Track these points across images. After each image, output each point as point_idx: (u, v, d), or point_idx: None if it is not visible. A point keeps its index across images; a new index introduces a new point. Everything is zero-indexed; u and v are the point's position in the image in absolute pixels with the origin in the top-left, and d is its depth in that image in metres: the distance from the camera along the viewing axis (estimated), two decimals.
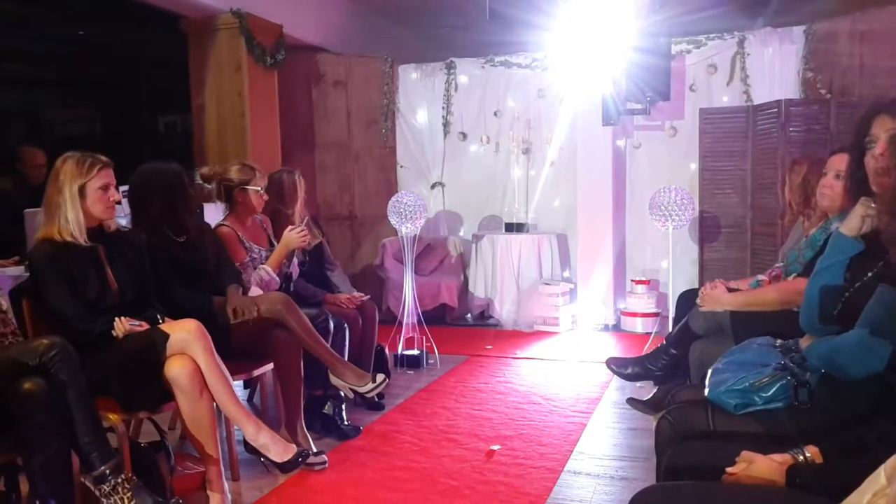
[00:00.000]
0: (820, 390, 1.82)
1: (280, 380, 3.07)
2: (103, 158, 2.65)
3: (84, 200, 2.58)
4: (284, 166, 4.31)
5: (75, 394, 2.22)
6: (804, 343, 1.97)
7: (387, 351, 4.22)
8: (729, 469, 1.58)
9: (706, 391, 1.96)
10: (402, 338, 4.70)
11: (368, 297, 3.94)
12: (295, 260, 3.62)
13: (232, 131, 5.43)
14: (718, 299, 2.87)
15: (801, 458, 1.56)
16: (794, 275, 2.85)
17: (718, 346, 2.62)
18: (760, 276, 3.11)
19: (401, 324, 4.75)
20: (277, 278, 3.40)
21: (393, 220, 4.78)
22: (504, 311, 5.83)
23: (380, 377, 3.06)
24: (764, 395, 1.85)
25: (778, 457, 1.56)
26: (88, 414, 2.25)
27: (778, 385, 1.85)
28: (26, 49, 7.38)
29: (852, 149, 2.00)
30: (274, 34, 5.62)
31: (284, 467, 2.71)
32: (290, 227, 3.43)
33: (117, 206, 2.73)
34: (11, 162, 4.90)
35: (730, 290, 2.99)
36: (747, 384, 1.87)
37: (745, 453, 1.59)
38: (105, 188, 2.61)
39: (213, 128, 5.47)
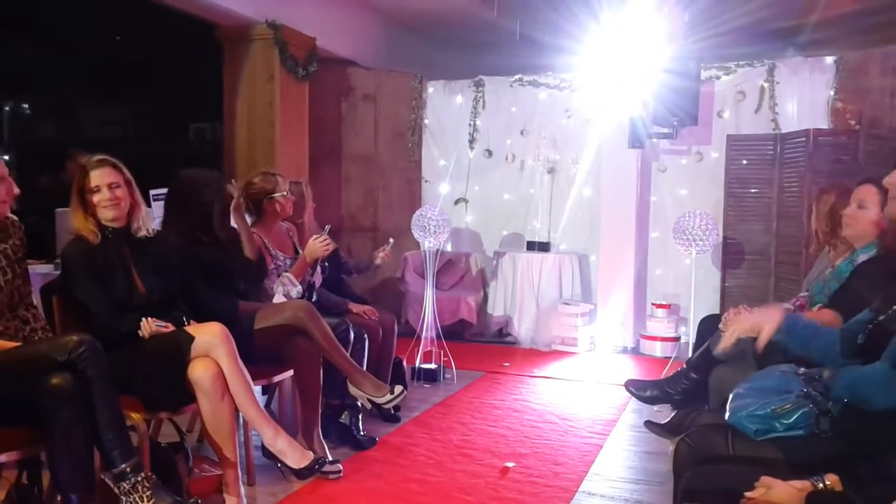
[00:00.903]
0: (842, 420, 1.81)
1: (299, 387, 3.09)
2: (96, 159, 2.66)
3: (92, 199, 2.62)
4: (304, 177, 4.40)
5: (101, 391, 2.26)
6: (827, 373, 1.96)
7: (404, 364, 4.23)
8: (748, 494, 1.57)
9: (727, 415, 1.96)
10: (420, 351, 4.72)
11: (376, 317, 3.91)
12: (318, 269, 3.66)
13: (261, 140, 5.51)
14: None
15: (822, 485, 1.55)
16: (819, 305, 2.83)
17: (739, 371, 2.61)
18: (785, 305, 3.09)
19: (419, 337, 4.76)
20: (300, 286, 3.44)
21: (416, 234, 4.81)
22: (522, 330, 5.82)
23: (398, 389, 3.08)
24: (785, 421, 1.84)
25: (798, 483, 1.56)
26: (113, 412, 2.28)
27: (800, 413, 1.84)
28: (63, 52, 7.55)
29: None
30: (307, 46, 5.71)
31: (300, 474, 2.72)
32: (314, 237, 3.47)
33: (148, 209, 2.78)
34: (49, 162, 5.02)
35: None
36: (769, 410, 1.86)
37: (765, 478, 1.59)
38: (105, 188, 2.62)
39: (243, 136, 5.55)
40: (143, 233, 2.76)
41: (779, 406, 1.86)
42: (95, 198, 2.63)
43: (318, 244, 3.43)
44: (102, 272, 2.62)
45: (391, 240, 3.97)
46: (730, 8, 5.46)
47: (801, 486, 1.56)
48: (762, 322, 1.90)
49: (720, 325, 3.00)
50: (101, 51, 7.67)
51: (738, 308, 3.05)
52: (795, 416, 1.84)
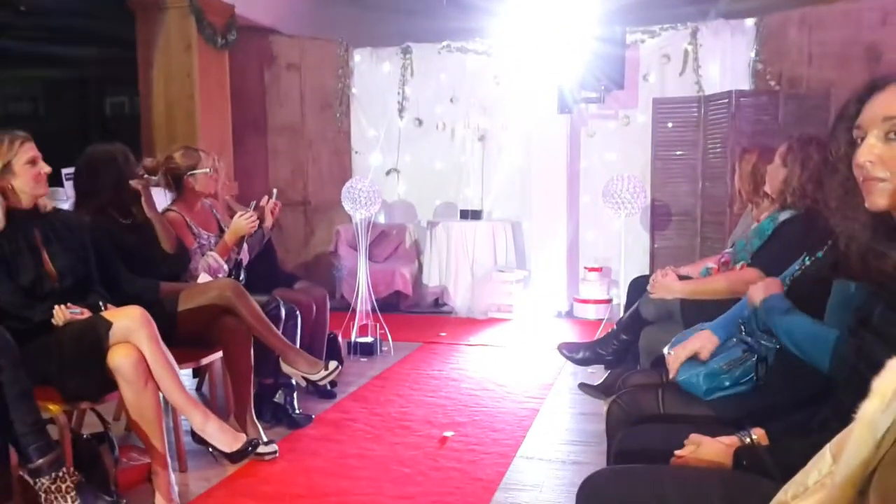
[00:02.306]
0: (775, 369, 1.86)
1: (229, 368, 3.01)
2: (21, 133, 2.53)
3: (11, 180, 2.47)
4: (228, 151, 4.20)
5: (13, 384, 2.14)
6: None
7: (340, 338, 4.18)
8: (678, 452, 1.59)
9: (677, 376, 1.98)
10: (355, 325, 4.66)
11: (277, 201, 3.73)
12: (245, 246, 3.55)
13: (181, 113, 5.29)
14: (669, 287, 2.91)
15: (748, 440, 1.58)
16: (742, 263, 2.90)
17: (668, 332, 2.65)
18: (710, 264, 3.16)
19: (354, 311, 4.71)
20: (225, 265, 3.33)
21: (347, 207, 4.72)
22: (458, 299, 5.83)
23: (332, 364, 3.02)
24: (734, 376, 1.88)
25: (726, 439, 1.58)
26: (26, 405, 2.17)
27: (747, 365, 1.89)
28: None
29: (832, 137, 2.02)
30: (225, 14, 5.48)
31: (233, 457, 2.64)
32: (238, 213, 3.36)
33: (60, 189, 2.64)
34: None
35: (680, 277, 3.03)
36: (720, 366, 1.90)
37: (694, 436, 1.61)
38: (32, 162, 2.50)
39: (161, 110, 5.32)
40: (48, 209, 2.62)
41: (725, 362, 1.90)
42: (29, 171, 2.48)
43: (244, 220, 3.32)
44: (8, 259, 2.46)
45: (274, 190, 3.79)
46: None
47: (730, 441, 1.59)
48: (700, 348, 1.98)
49: (648, 287, 3.06)
50: (4, 21, 7.20)
51: (664, 270, 3.12)
52: (741, 370, 1.88)
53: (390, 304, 5.72)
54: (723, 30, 5.67)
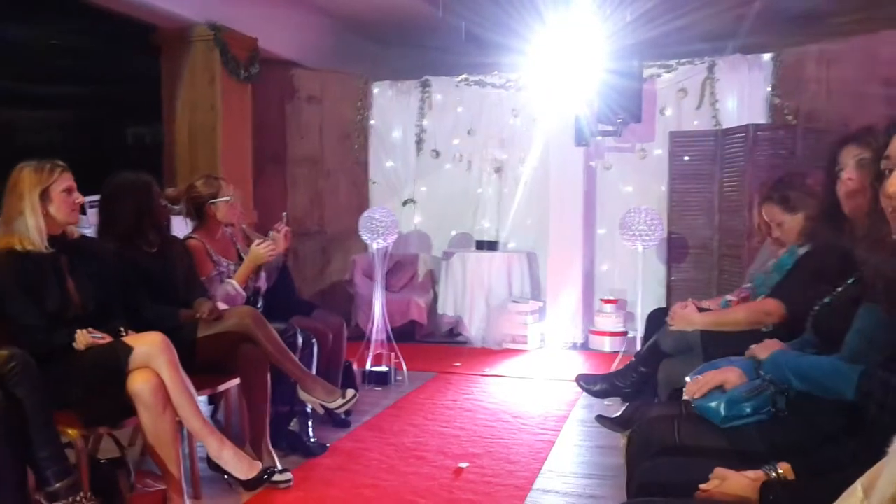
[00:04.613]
0: (794, 402, 1.85)
1: (246, 395, 3.01)
2: (61, 163, 2.62)
3: (47, 206, 2.53)
4: (248, 182, 4.27)
5: (33, 407, 2.16)
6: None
7: (354, 367, 4.17)
8: (702, 486, 1.57)
9: (693, 401, 1.97)
10: (370, 354, 4.66)
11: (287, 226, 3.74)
12: (263, 274, 3.58)
13: (203, 144, 5.37)
14: (689, 318, 2.89)
15: (774, 474, 1.56)
16: (763, 297, 2.89)
17: (687, 364, 2.63)
18: (729, 297, 3.14)
19: (369, 340, 4.71)
20: (244, 293, 3.35)
21: (364, 236, 4.75)
22: (473, 329, 5.81)
23: (350, 393, 3.02)
24: (754, 405, 1.87)
25: (751, 473, 1.57)
26: (46, 428, 2.18)
27: (766, 394, 1.88)
28: None
29: (824, 180, 2.08)
30: (249, 47, 5.59)
31: (248, 485, 2.65)
32: (256, 241, 3.40)
33: (83, 216, 2.70)
34: None
35: (700, 309, 3.02)
36: (740, 393, 1.89)
37: (718, 470, 1.59)
38: (69, 191, 2.58)
39: (184, 140, 5.40)
40: (75, 236, 2.69)
41: (747, 389, 1.89)
42: (65, 199, 2.55)
43: (262, 249, 3.35)
44: (35, 284, 2.50)
45: (284, 214, 3.85)
46: (671, 8, 5.54)
47: (755, 475, 1.57)
48: (726, 381, 1.98)
49: (667, 319, 3.05)
50: (34, 54, 7.38)
51: (685, 302, 3.10)
52: (761, 399, 1.87)
53: (405, 334, 5.71)
54: (740, 64, 5.71)
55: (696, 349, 2.88)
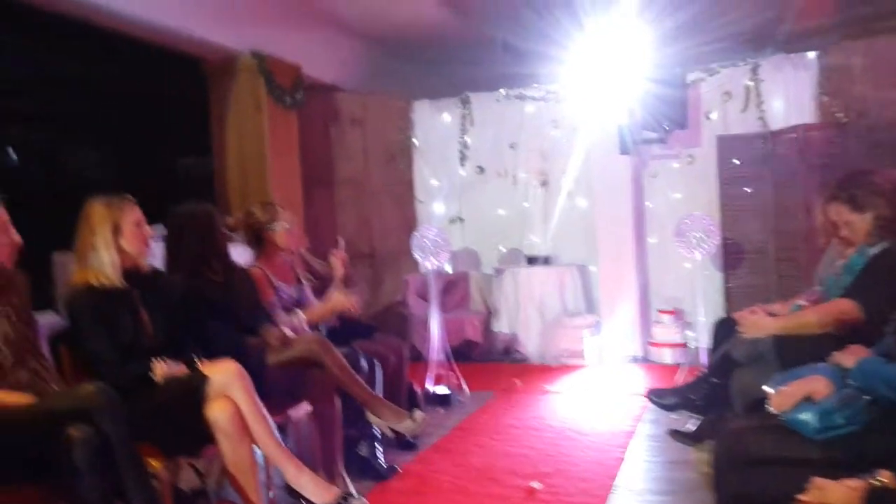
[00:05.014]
0: (887, 410, 1.80)
1: (318, 420, 3.03)
2: (129, 196, 2.68)
3: (119, 239, 2.59)
4: (298, 206, 4.34)
5: (120, 440, 2.19)
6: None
7: (416, 388, 4.17)
8: (801, 496, 1.55)
9: (783, 414, 1.94)
10: (429, 375, 4.65)
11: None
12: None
13: (253, 171, 5.45)
14: (761, 325, 2.84)
15: (877, 483, 1.53)
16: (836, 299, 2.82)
17: (761, 373, 2.59)
18: (801, 301, 3.08)
19: (426, 361, 4.70)
20: (308, 329, 3.38)
21: (417, 255, 4.77)
22: (529, 345, 5.77)
23: (419, 415, 3.03)
24: (846, 415, 1.83)
25: (852, 482, 1.54)
26: (133, 460, 2.21)
27: (860, 404, 1.83)
28: (43, 89, 7.45)
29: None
30: (292, 74, 5.68)
31: None
32: (339, 290, 3.48)
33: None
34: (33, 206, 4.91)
35: (770, 315, 2.96)
36: (832, 403, 1.84)
37: (817, 480, 1.56)
38: (138, 224, 2.64)
39: (234, 168, 5.49)
40: (146, 269, 2.74)
41: (838, 399, 1.85)
42: (136, 232, 2.61)
43: (345, 299, 3.43)
44: (110, 319, 2.56)
45: (339, 239, 3.91)
46: (713, 16, 5.49)
47: (856, 485, 1.54)
48: (814, 391, 1.94)
49: (738, 327, 2.99)
50: (84, 90, 7.59)
51: (753, 308, 3.05)
52: (853, 409, 1.83)
53: (461, 353, 5.68)
54: (784, 65, 5.62)
55: (767, 357, 2.83)
